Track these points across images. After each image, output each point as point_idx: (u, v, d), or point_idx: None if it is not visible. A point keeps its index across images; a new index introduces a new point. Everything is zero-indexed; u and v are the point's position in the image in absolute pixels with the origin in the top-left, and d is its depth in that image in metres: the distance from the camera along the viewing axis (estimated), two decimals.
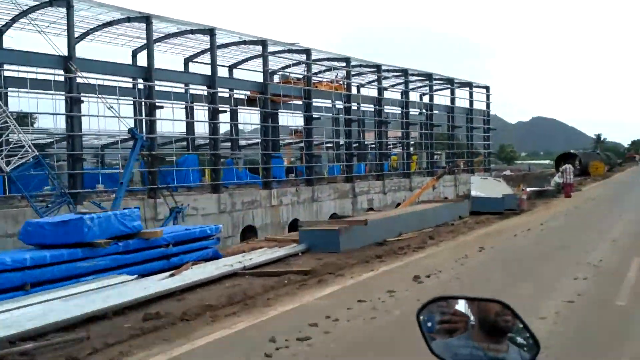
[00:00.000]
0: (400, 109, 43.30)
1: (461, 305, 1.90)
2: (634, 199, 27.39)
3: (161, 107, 25.92)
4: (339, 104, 38.89)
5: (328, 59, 37.81)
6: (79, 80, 22.14)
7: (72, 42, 22.52)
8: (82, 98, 22.62)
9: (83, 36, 28.58)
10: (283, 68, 37.99)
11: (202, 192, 27.36)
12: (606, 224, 17.28)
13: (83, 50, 29.74)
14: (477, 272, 10.58)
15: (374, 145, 42.84)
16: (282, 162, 35.40)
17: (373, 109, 41.62)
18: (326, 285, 9.72)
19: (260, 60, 32.88)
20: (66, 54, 22.01)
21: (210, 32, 28.37)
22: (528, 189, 29.42)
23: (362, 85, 45.17)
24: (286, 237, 15.42)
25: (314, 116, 35.47)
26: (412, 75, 44.64)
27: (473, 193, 23.38)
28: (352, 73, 39.56)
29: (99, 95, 21.25)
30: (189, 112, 31.88)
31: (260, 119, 32.55)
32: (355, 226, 14.36)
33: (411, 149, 46.73)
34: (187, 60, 34.29)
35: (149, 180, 24.53)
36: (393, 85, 45.57)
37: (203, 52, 31.96)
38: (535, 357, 1.78)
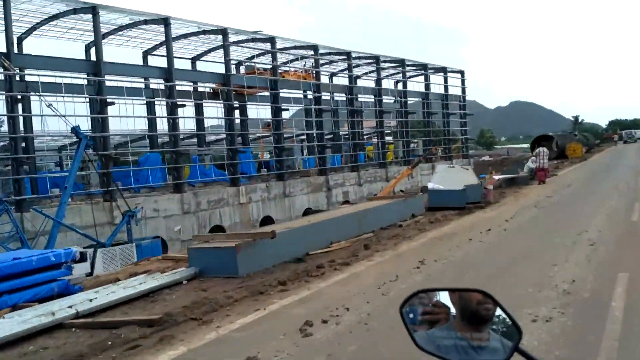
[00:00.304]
0: (373, 97, 42.18)
1: (442, 297, 1.93)
2: (612, 182, 24.97)
3: (112, 104, 24.26)
4: (309, 94, 37.61)
5: (295, 47, 36.37)
6: (19, 77, 20.65)
7: (10, 36, 20.97)
8: (20, 96, 21.03)
9: (29, 31, 26.98)
10: (249, 59, 36.61)
11: (164, 193, 26.08)
12: (582, 218, 14.58)
13: (32, 46, 28.28)
14: (395, 310, 8.75)
15: (348, 136, 41.66)
16: (250, 157, 33.68)
17: (345, 99, 40.36)
18: (169, 346, 6.50)
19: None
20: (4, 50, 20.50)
21: (165, 21, 26.85)
22: (498, 177, 27.36)
23: (334, 74, 43.89)
24: (184, 256, 11.36)
25: (282, 107, 34.16)
26: (385, 62, 43.51)
27: (430, 185, 20.23)
28: (322, 62, 38.29)
29: (39, 94, 19.75)
30: (150, 108, 30.28)
31: (224, 112, 31.03)
32: (261, 240, 10.81)
33: (387, 138, 45.69)
34: (146, 54, 32.66)
35: (103, 182, 23.11)
36: (365, 73, 44.42)
37: (161, 44, 30.35)
38: (517, 343, 1.78)
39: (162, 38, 29.27)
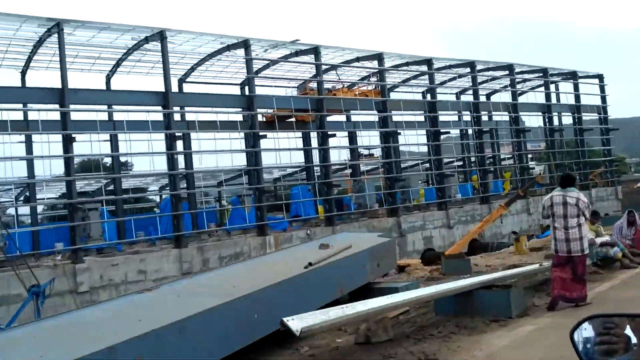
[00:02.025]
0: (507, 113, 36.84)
1: (620, 324, 1.80)
2: None
3: (264, 137, 24.12)
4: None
5: (450, 67, 34.18)
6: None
7: (167, 77, 21.71)
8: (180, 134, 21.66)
9: (189, 72, 28.28)
10: (403, 82, 35.31)
11: (161, 248, 21.45)
12: None
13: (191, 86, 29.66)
14: None
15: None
16: (308, 195, 28.12)
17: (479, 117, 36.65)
18: None
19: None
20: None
21: (315, 51, 26.36)
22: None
23: (464, 91, 39.49)
24: None
25: (442, 131, 31.86)
26: (524, 72, 38.46)
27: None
28: (480, 79, 35.38)
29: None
30: (306, 140, 30.11)
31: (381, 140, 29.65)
32: None
33: (529, 161, 39.98)
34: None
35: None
36: (505, 87, 39.02)
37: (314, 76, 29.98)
38: None
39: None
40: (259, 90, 26.09)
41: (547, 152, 40.03)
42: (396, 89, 35.62)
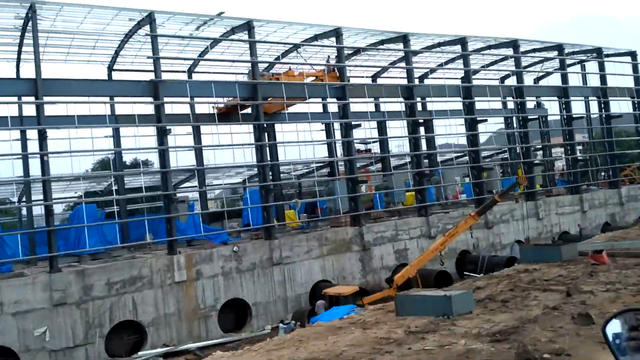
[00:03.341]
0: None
1: None
2: None
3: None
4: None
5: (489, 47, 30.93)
6: None
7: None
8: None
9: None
10: (439, 65, 32.08)
11: (31, 273, 18.10)
12: None
13: None
14: None
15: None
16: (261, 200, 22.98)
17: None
18: None
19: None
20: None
21: (404, 38, 26.36)
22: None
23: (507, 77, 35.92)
24: None
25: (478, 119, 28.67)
26: (576, 53, 34.53)
27: None
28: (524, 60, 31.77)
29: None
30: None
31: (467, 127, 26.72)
32: None
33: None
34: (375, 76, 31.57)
35: None
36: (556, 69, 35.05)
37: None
38: None
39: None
40: None
41: (602, 142, 35.21)
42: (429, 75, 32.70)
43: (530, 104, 33.19)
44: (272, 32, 24.16)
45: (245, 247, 20.24)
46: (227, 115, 24.01)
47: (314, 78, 24.75)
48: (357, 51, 28.53)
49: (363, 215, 23.88)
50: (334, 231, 22.61)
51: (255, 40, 22.41)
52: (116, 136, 24.11)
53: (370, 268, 22.59)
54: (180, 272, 18.50)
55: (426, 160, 27.24)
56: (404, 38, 26.42)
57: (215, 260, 19.34)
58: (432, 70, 32.51)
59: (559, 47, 31.89)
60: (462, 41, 28.05)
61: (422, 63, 31.79)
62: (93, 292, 17.28)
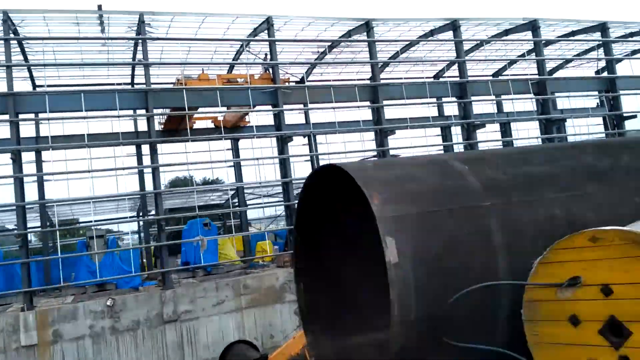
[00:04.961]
0: None
1: None
2: None
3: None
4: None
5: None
6: None
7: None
8: None
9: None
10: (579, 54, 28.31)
11: None
12: None
13: None
14: None
15: None
16: (204, 232, 19.24)
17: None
18: None
19: None
20: None
21: (533, 26, 23.09)
22: None
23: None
24: None
25: None
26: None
27: None
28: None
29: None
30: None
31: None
32: None
33: None
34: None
35: None
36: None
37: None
38: None
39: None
40: None
41: None
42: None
43: None
44: (387, 31, 22.97)
45: (124, 300, 15.19)
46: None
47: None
48: (480, 44, 25.65)
49: None
50: (257, 277, 16.96)
51: (375, 40, 20.79)
52: None
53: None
54: (28, 334, 14.05)
55: None
56: (532, 26, 23.49)
57: (80, 318, 14.65)
58: (568, 61, 28.55)
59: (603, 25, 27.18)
60: (603, 27, 24.58)
61: (552, 55, 28.19)
62: None
